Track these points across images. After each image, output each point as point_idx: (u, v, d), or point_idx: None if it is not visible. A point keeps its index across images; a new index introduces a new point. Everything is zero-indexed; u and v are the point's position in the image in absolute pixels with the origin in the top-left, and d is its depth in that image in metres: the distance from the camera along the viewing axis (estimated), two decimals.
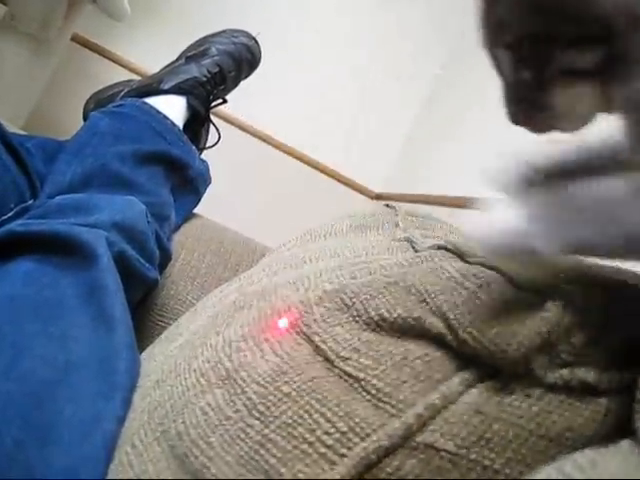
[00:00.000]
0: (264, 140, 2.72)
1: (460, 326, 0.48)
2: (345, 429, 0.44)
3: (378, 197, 2.87)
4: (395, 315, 0.51)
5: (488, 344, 0.47)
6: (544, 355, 0.46)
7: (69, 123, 1.42)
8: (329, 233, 0.88)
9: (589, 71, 0.49)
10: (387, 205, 0.99)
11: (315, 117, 2.76)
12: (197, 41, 1.45)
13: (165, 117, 1.21)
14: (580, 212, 0.49)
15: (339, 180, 2.83)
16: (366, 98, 2.85)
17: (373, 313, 0.52)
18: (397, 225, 0.88)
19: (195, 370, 0.55)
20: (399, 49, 2.84)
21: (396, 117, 2.90)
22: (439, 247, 0.61)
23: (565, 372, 0.46)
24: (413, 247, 0.70)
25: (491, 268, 0.53)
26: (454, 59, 2.89)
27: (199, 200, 1.28)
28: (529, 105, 0.52)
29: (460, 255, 0.58)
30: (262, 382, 0.49)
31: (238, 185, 2.52)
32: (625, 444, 0.40)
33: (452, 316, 0.49)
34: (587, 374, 0.46)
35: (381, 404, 0.46)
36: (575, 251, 0.49)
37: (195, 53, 1.40)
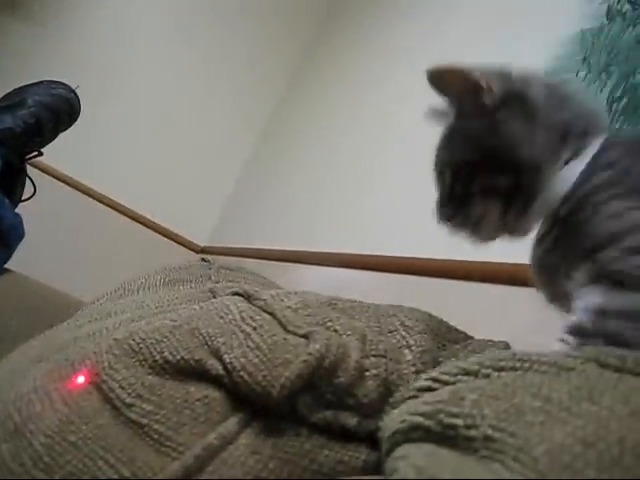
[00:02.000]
0: (85, 192, 2.65)
1: (234, 369, 0.51)
2: (127, 474, 0.45)
3: (203, 251, 2.88)
4: (178, 357, 0.53)
5: (255, 386, 0.50)
6: (308, 395, 0.50)
7: None
8: (142, 287, 0.89)
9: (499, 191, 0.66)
10: (202, 259, 1.01)
11: (139, 170, 2.74)
12: (13, 91, 1.41)
13: None
14: None
15: (164, 234, 2.81)
16: (192, 153, 2.88)
17: (158, 357, 0.54)
18: (210, 278, 0.90)
19: None
20: (223, 106, 2.91)
21: (222, 172, 2.95)
22: (234, 293, 0.65)
23: (329, 414, 0.50)
24: (214, 297, 0.73)
25: (267, 312, 0.58)
26: (279, 116, 3.01)
27: (10, 254, 1.23)
28: (456, 210, 0.68)
29: (247, 298, 0.62)
30: (49, 433, 0.49)
31: (56, 238, 2.43)
32: None
33: (228, 359, 0.52)
34: (348, 419, 0.50)
35: (163, 448, 0.47)
36: None
37: (10, 104, 1.37)
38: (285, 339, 0.53)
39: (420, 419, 0.41)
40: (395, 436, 0.43)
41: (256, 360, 0.51)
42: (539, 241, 0.67)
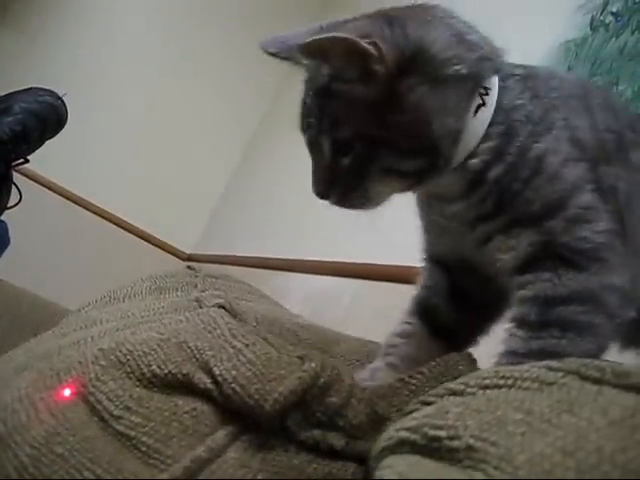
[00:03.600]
0: (71, 199, 2.64)
1: (224, 381, 0.51)
2: None
3: (190, 258, 2.88)
4: (166, 371, 0.53)
5: (247, 399, 0.50)
6: (299, 413, 0.50)
7: None
8: (128, 295, 0.88)
9: (405, 172, 0.61)
10: (188, 267, 1.01)
11: (126, 178, 2.74)
12: None
13: None
14: None
15: (150, 241, 2.81)
16: (179, 161, 2.88)
17: (145, 370, 0.54)
18: (196, 286, 0.90)
19: None
20: (210, 114, 2.91)
21: (209, 180, 2.95)
22: (220, 306, 0.65)
23: (317, 432, 0.50)
24: (200, 306, 0.73)
25: (257, 332, 0.58)
26: (266, 125, 3.02)
27: None
28: (344, 186, 0.63)
29: (234, 315, 0.62)
30: (35, 444, 0.49)
31: (42, 246, 2.42)
32: None
33: (218, 372, 0.52)
34: (336, 440, 0.50)
35: (151, 460, 0.47)
36: None
37: None
38: (279, 357, 0.54)
39: (406, 434, 0.42)
40: (383, 452, 0.44)
41: (248, 373, 0.51)
42: (454, 198, 0.64)
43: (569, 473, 0.32)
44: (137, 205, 2.76)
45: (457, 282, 0.71)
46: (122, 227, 2.76)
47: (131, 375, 0.54)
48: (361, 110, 0.60)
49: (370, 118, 0.59)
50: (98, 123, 2.63)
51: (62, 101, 1.44)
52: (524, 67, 0.67)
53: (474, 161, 0.62)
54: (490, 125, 0.62)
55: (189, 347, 0.55)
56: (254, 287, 1.04)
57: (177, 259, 2.89)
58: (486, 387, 0.45)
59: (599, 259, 0.59)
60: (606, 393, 0.38)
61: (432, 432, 0.40)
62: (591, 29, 1.42)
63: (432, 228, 0.71)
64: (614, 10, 1.39)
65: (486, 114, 0.62)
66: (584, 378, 0.40)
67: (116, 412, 0.50)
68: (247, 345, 0.55)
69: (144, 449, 0.48)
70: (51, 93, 1.43)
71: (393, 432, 0.44)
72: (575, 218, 0.59)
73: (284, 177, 2.56)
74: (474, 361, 0.67)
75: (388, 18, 0.60)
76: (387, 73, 0.59)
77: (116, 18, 2.82)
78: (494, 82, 0.63)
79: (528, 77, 0.65)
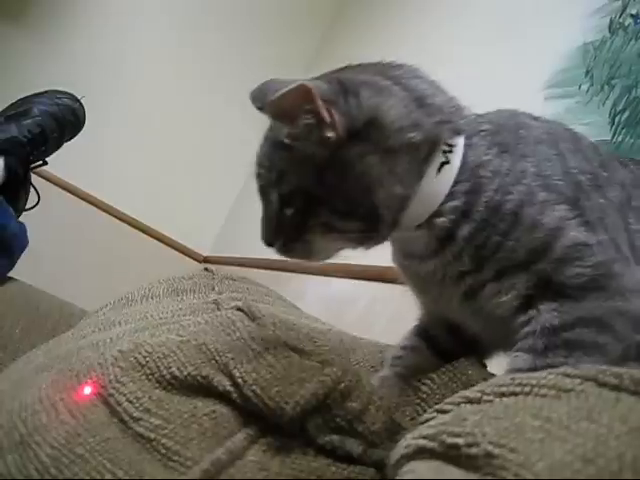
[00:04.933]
0: (88, 201, 2.66)
1: (245, 384, 0.52)
2: None
3: (206, 260, 2.88)
4: (186, 373, 0.54)
5: (268, 401, 0.50)
6: (318, 417, 0.51)
7: None
8: (145, 297, 0.89)
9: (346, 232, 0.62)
10: (206, 269, 1.02)
11: (142, 180, 2.75)
12: (18, 100, 1.42)
13: None
14: None
15: (166, 243, 2.82)
16: (196, 163, 2.88)
17: (165, 372, 0.54)
18: (213, 288, 0.91)
19: None
20: (228, 116, 2.92)
21: (225, 182, 2.95)
22: (238, 308, 0.65)
23: (336, 438, 0.51)
24: (218, 309, 0.73)
25: (276, 335, 0.58)
26: None
27: (14, 263, 1.24)
28: (288, 236, 0.64)
29: (252, 318, 0.62)
30: (56, 445, 0.49)
31: (60, 247, 2.44)
32: None
33: (238, 374, 0.53)
34: (354, 446, 0.50)
35: (171, 462, 0.48)
36: None
37: (15, 113, 1.37)
38: (300, 361, 0.54)
39: (424, 442, 0.42)
40: (401, 460, 0.43)
41: (269, 376, 0.52)
42: (426, 256, 0.64)
43: None
44: (153, 207, 2.77)
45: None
46: (139, 229, 2.78)
47: (150, 377, 0.54)
48: (306, 168, 0.61)
49: (313, 177, 0.60)
50: (115, 125, 2.65)
51: (80, 103, 1.44)
52: (491, 122, 0.66)
53: (440, 220, 0.62)
54: (455, 184, 0.62)
55: (208, 349, 0.56)
56: (271, 289, 1.04)
57: (193, 261, 2.89)
58: (503, 395, 0.44)
59: (598, 288, 0.58)
60: (625, 400, 0.38)
61: (450, 440, 0.40)
62: (610, 32, 1.41)
63: (413, 286, 0.72)
64: (633, 12, 1.38)
65: (450, 173, 0.62)
66: (602, 385, 0.40)
67: (136, 414, 0.51)
68: (267, 348, 0.55)
69: (164, 451, 0.48)
70: (70, 95, 1.44)
71: (410, 440, 0.43)
72: (563, 258, 0.59)
73: None
74: (484, 366, 0.67)
75: (344, 85, 0.60)
76: (337, 140, 0.59)
77: (133, 20, 2.84)
78: (459, 141, 0.63)
79: (495, 132, 0.65)
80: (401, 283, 0.72)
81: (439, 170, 0.62)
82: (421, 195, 0.62)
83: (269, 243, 0.65)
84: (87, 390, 0.54)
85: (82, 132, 1.48)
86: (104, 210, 2.70)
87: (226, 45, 2.97)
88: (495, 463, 0.36)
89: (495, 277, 0.61)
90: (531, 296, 0.60)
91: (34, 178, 1.41)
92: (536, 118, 0.68)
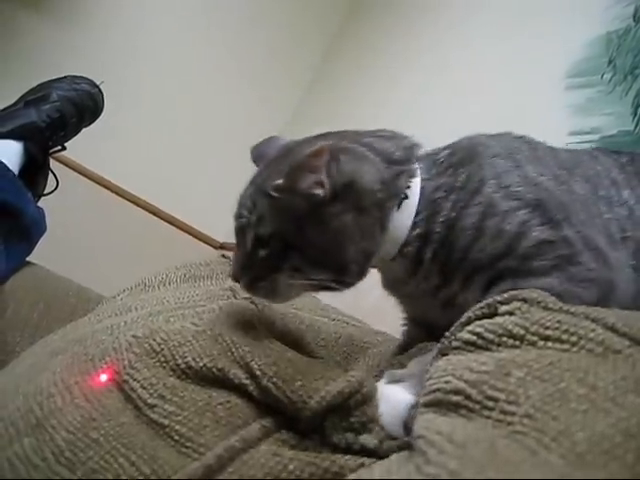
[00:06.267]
0: (106, 187, 2.66)
1: (264, 375, 0.52)
2: (148, 472, 0.46)
3: (222, 247, 2.88)
4: (201, 364, 0.54)
5: (291, 394, 0.51)
6: (336, 416, 0.51)
7: None
8: (162, 283, 0.90)
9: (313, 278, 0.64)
10: (223, 255, 1.02)
11: (160, 166, 2.75)
12: (37, 85, 1.42)
13: None
14: None
15: (183, 229, 2.82)
16: (211, 148, 2.88)
17: (180, 360, 0.54)
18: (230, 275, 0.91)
19: (4, 419, 0.54)
20: (244, 98, 2.91)
21: (242, 168, 2.94)
22: (251, 302, 0.66)
23: (350, 435, 0.51)
24: (235, 296, 0.74)
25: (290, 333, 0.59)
26: (300, 113, 3.01)
27: (32, 248, 1.25)
28: (256, 275, 0.66)
29: (261, 310, 0.63)
30: (71, 429, 0.49)
31: (77, 232, 2.44)
32: (394, 457, 0.44)
33: (256, 366, 0.53)
34: (369, 440, 0.50)
35: (184, 449, 0.48)
36: None
37: (35, 98, 1.38)
38: (323, 361, 0.54)
39: (464, 385, 0.42)
40: (435, 393, 0.44)
41: (290, 370, 0.53)
42: (406, 279, 0.69)
43: (629, 456, 0.32)
44: (170, 193, 2.77)
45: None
46: (155, 214, 2.78)
47: (165, 364, 0.54)
48: (286, 217, 0.65)
49: (292, 226, 0.64)
50: (132, 110, 2.64)
51: (99, 89, 1.44)
52: (447, 148, 0.71)
53: (408, 249, 0.67)
54: (417, 214, 0.67)
55: (224, 341, 0.56)
56: None
57: (210, 247, 2.90)
58: (547, 338, 0.44)
59: (561, 271, 0.60)
60: None
61: (491, 392, 0.40)
62: (634, 20, 1.38)
63: (401, 304, 0.76)
64: None
65: (410, 206, 0.67)
66: None
67: (150, 400, 0.51)
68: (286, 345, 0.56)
69: (177, 437, 0.49)
70: (88, 81, 1.44)
71: (451, 377, 0.43)
72: (527, 254, 0.61)
73: None
74: None
75: (330, 152, 0.63)
76: (322, 198, 0.63)
77: (149, 5, 2.83)
78: (416, 180, 0.68)
79: (451, 154, 0.70)
80: None
81: (399, 207, 0.67)
82: (389, 233, 0.67)
83: (236, 279, 0.67)
84: (102, 375, 0.54)
85: (100, 117, 1.48)
86: (121, 196, 2.71)
87: (239, 30, 2.95)
88: (533, 425, 0.36)
89: (463, 286, 0.65)
90: (492, 282, 0.63)
91: (52, 163, 1.41)
92: (492, 136, 0.72)
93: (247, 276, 0.66)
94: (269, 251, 0.64)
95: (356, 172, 0.65)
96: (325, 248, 0.64)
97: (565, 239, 0.61)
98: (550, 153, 0.71)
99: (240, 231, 0.68)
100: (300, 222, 0.64)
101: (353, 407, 0.51)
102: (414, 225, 0.67)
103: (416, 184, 0.68)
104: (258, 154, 0.79)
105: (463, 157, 0.68)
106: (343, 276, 0.65)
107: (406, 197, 0.67)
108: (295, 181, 0.63)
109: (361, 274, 0.66)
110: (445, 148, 0.71)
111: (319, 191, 0.63)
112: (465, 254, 0.63)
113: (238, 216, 0.68)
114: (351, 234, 0.64)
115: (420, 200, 0.67)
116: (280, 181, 0.64)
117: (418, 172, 0.69)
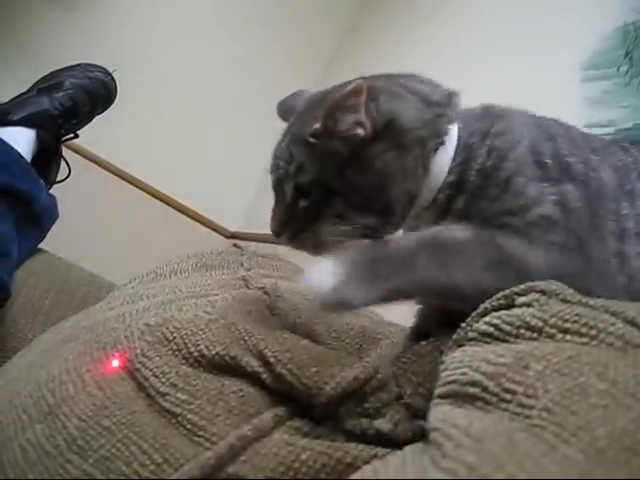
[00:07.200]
0: (118, 175, 2.66)
1: (278, 362, 0.52)
2: (160, 460, 0.46)
3: (234, 236, 2.88)
4: (214, 352, 0.54)
5: (306, 380, 0.50)
6: (351, 402, 0.50)
7: None
8: (174, 272, 0.89)
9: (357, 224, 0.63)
10: (235, 245, 1.02)
11: (172, 155, 2.74)
12: (50, 73, 1.42)
13: (11, 148, 1.17)
14: (405, 261, 0.56)
15: (194, 218, 2.82)
16: (224, 137, 2.88)
17: (193, 349, 0.54)
18: (242, 264, 0.91)
19: (17, 406, 0.54)
20: (258, 92, 2.90)
21: (254, 158, 2.93)
22: (265, 292, 0.65)
23: (364, 421, 0.50)
24: (247, 286, 0.73)
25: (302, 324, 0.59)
26: None
27: (44, 236, 1.25)
28: (298, 227, 0.65)
29: (274, 301, 0.63)
30: (83, 416, 0.49)
31: (89, 220, 2.45)
32: (408, 449, 0.43)
33: (270, 353, 0.53)
34: (383, 425, 0.50)
35: (196, 437, 0.48)
36: (394, 299, 0.56)
37: (47, 85, 1.37)
38: (336, 350, 0.54)
39: (481, 377, 0.41)
40: (451, 385, 0.43)
41: (304, 356, 0.52)
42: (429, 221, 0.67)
43: None
44: (182, 182, 2.77)
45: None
46: (167, 203, 2.78)
47: (177, 353, 0.54)
48: (327, 162, 0.64)
49: (333, 171, 0.63)
50: (145, 99, 2.64)
51: (112, 77, 1.44)
52: (483, 107, 0.71)
53: (439, 197, 0.65)
54: (453, 161, 0.65)
55: (237, 329, 0.56)
56: (300, 267, 1.04)
57: (221, 236, 2.90)
58: (566, 331, 0.43)
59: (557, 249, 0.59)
60: None
61: (509, 385, 0.39)
62: None
63: None
64: None
65: (446, 153, 0.65)
66: None
67: (162, 389, 0.51)
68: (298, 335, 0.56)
69: (189, 426, 0.48)
70: (101, 69, 1.43)
71: (468, 369, 0.42)
72: (534, 223, 0.60)
73: None
74: None
75: (367, 92, 0.63)
76: (363, 138, 0.63)
77: None
78: (454, 127, 0.66)
79: (489, 108, 0.70)
80: None
81: (435, 152, 0.65)
82: (429, 177, 0.65)
83: (279, 232, 0.67)
84: (114, 363, 0.54)
85: (113, 105, 1.48)
86: (133, 184, 2.71)
87: (256, 25, 2.95)
88: (552, 419, 0.35)
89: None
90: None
91: (64, 151, 1.41)
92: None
93: (289, 229, 0.66)
94: (310, 200, 0.64)
95: (395, 110, 0.64)
96: (369, 190, 0.63)
97: (567, 229, 0.60)
98: (583, 136, 0.70)
99: (278, 184, 0.67)
100: (341, 166, 0.63)
101: (369, 393, 0.51)
102: (450, 172, 0.65)
103: (454, 130, 0.66)
104: (286, 109, 0.76)
105: (500, 113, 0.68)
106: (388, 217, 0.64)
107: (443, 143, 0.65)
108: (334, 123, 0.62)
109: (404, 217, 0.65)
110: (476, 107, 0.71)
111: (359, 131, 0.62)
112: (489, 204, 0.62)
113: (275, 168, 0.67)
114: (394, 173, 0.63)
115: (457, 146, 0.66)
116: (318, 125, 0.63)
117: (455, 118, 0.67)
